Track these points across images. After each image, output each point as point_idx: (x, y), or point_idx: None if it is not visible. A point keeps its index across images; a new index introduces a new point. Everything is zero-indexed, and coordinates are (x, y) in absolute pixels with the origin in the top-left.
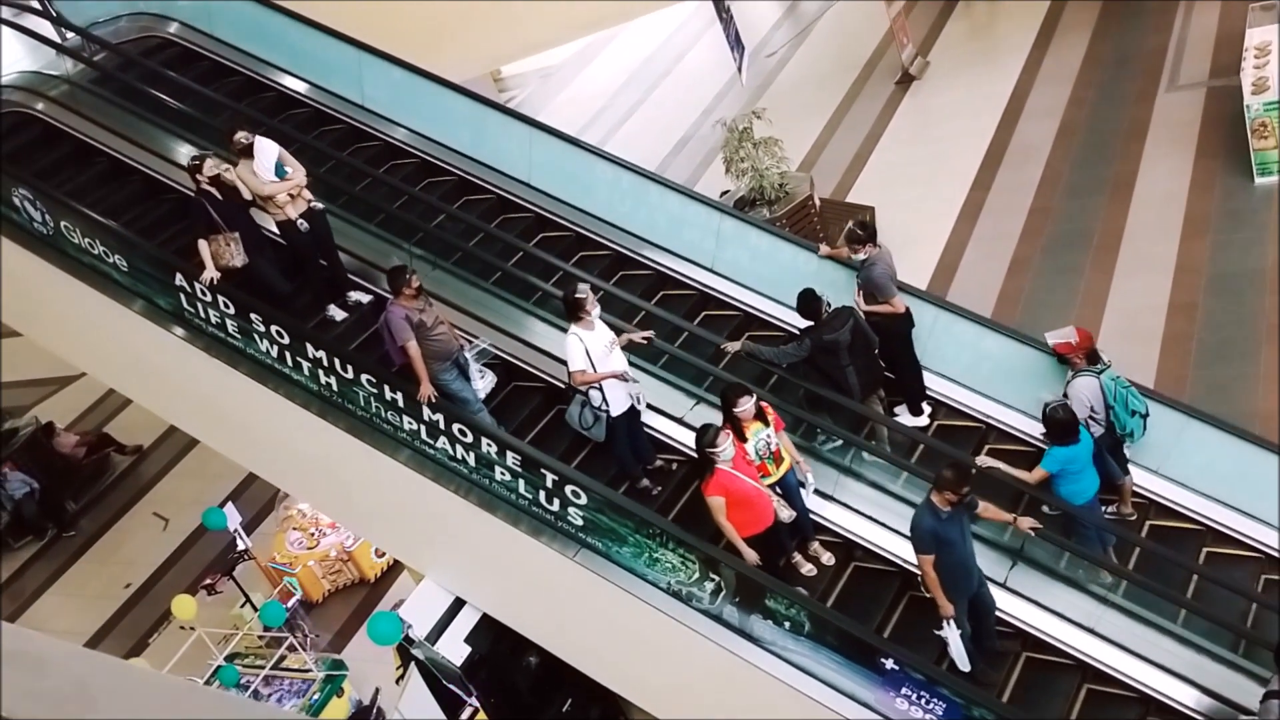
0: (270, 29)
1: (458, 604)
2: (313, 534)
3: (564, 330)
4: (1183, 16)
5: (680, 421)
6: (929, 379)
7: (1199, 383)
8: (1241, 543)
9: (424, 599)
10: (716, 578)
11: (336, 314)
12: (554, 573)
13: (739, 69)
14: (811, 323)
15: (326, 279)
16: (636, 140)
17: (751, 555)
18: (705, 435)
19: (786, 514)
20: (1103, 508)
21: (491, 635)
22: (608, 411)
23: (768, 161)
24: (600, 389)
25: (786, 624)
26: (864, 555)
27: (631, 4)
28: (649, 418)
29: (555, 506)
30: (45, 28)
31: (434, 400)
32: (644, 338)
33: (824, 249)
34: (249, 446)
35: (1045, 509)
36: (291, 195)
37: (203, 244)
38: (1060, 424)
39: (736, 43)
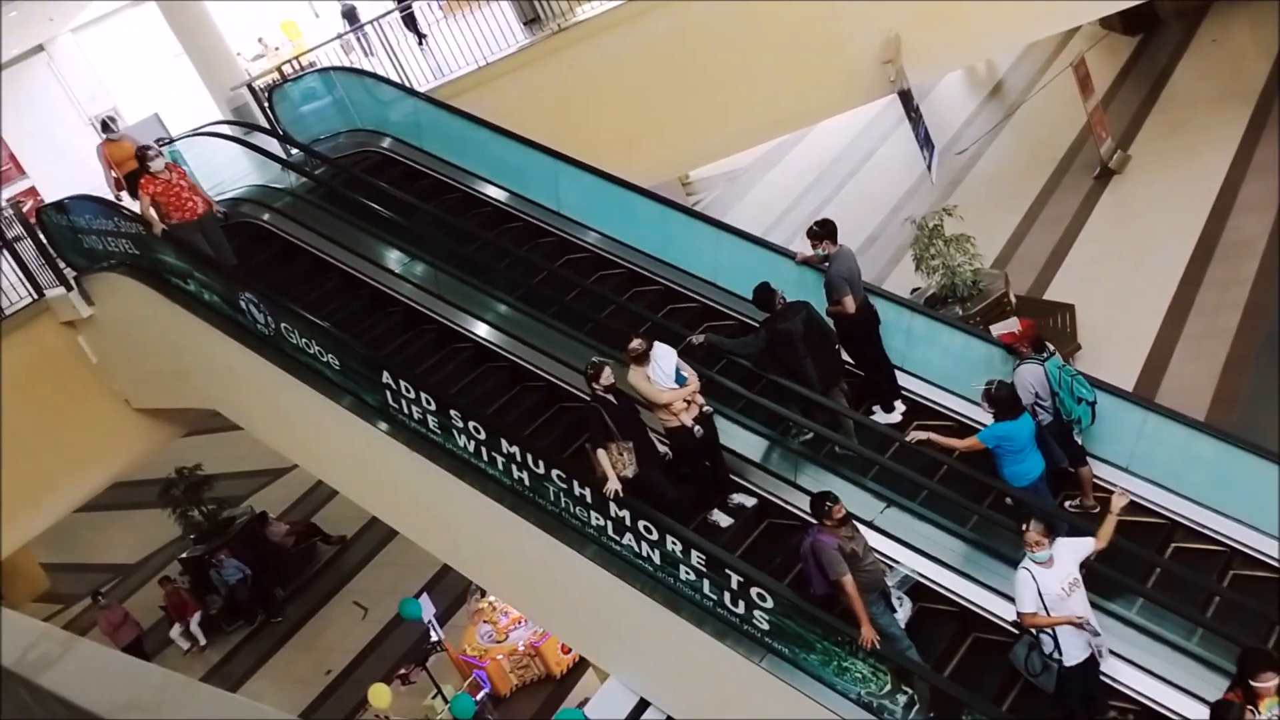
0: (474, 142)
1: (642, 705)
2: (502, 627)
3: (1001, 558)
4: None
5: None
6: (905, 380)
7: None
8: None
9: (609, 698)
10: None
11: (721, 519)
12: (738, 677)
13: (928, 167)
14: (767, 314)
15: (709, 480)
16: None
17: None
18: (1229, 713)
19: None
20: (1065, 502)
21: None
22: (1060, 661)
23: (959, 258)
24: (1053, 634)
25: None
26: None
27: (817, 107)
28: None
29: (740, 609)
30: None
31: (877, 645)
32: None
33: (799, 255)
34: (443, 538)
35: (1008, 500)
36: (686, 401)
37: (602, 454)
38: (1002, 400)
39: (926, 141)
